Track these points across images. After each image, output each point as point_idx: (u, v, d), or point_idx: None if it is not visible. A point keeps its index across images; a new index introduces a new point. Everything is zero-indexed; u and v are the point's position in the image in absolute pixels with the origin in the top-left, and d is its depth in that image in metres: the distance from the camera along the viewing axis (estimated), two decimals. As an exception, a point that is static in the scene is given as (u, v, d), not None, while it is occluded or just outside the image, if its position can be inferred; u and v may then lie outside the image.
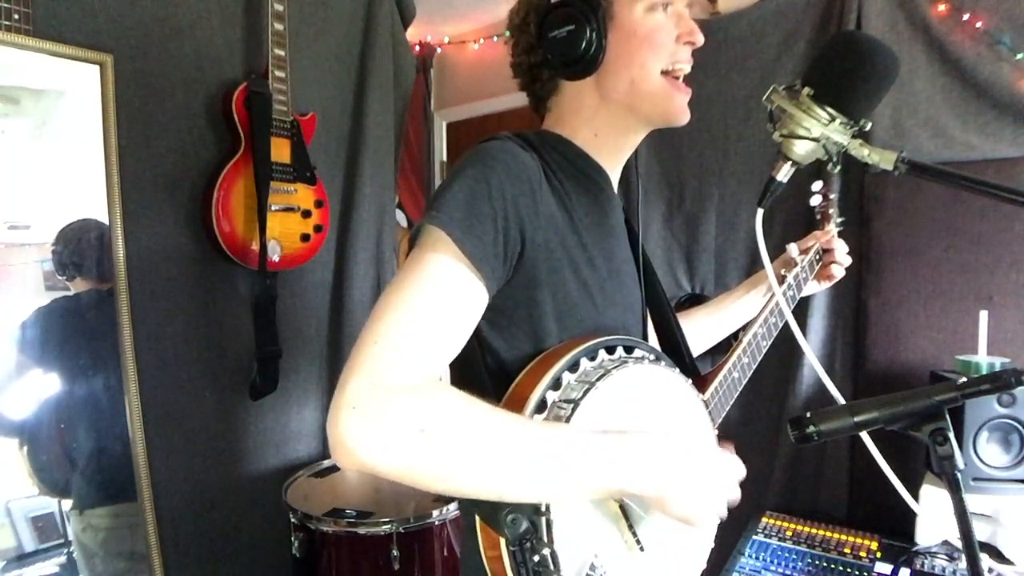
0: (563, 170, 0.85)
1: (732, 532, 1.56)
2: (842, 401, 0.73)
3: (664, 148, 2.08)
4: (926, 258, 1.68)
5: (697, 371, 0.98)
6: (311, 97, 1.94)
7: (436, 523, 1.54)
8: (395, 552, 1.49)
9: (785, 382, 1.84)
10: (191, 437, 1.70)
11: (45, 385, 1.49)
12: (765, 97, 0.79)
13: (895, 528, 1.55)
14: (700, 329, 1.20)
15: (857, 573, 1.41)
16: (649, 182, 2.10)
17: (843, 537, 1.56)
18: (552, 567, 0.67)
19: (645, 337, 0.96)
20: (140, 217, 1.58)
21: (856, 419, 0.69)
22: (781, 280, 1.15)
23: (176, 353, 1.66)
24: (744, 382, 1.03)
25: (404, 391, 0.61)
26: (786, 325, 1.05)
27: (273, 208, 1.74)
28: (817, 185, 1.29)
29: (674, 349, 0.98)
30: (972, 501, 1.33)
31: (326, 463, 1.91)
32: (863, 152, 0.75)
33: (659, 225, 2.10)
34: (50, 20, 1.41)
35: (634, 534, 0.75)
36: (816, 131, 0.77)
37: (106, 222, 1.52)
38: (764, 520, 1.66)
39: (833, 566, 1.44)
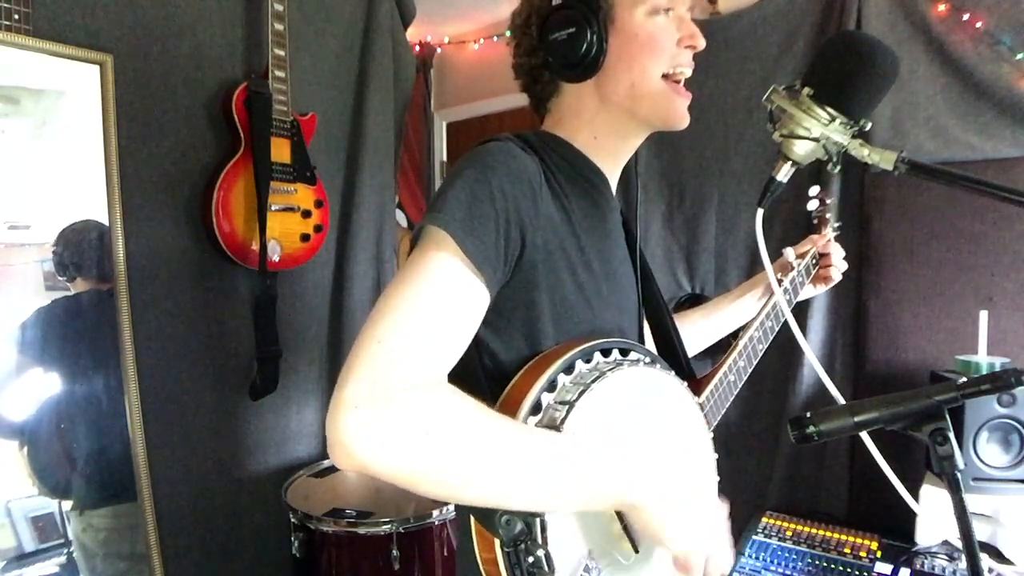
0: (562, 172, 0.85)
1: (732, 532, 1.56)
2: (842, 401, 0.73)
3: (664, 148, 2.08)
4: (926, 258, 1.68)
5: (693, 374, 0.98)
6: (311, 97, 1.94)
7: (436, 523, 1.54)
8: (395, 552, 1.49)
9: (785, 382, 1.84)
10: (191, 437, 1.70)
11: (45, 385, 1.49)
12: (765, 97, 0.79)
13: (895, 528, 1.55)
14: (695, 331, 1.20)
15: (857, 573, 1.41)
16: (649, 182, 2.10)
17: (843, 537, 1.56)
18: (546, 568, 0.67)
19: (642, 340, 0.96)
20: (140, 217, 1.58)
21: (856, 419, 0.69)
22: (778, 284, 1.15)
23: (176, 353, 1.66)
24: (740, 385, 1.03)
25: (406, 392, 0.61)
26: (785, 326, 1.05)
27: (273, 208, 1.74)
28: (814, 190, 1.29)
29: (670, 352, 0.98)
30: (972, 501, 1.33)
31: (326, 463, 1.91)
32: (863, 152, 0.75)
33: (659, 225, 2.10)
34: (50, 20, 1.41)
35: (629, 536, 0.75)
36: (816, 131, 0.77)
37: (106, 222, 1.52)
38: (764, 520, 1.66)
39: (833, 566, 1.44)
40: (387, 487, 1.73)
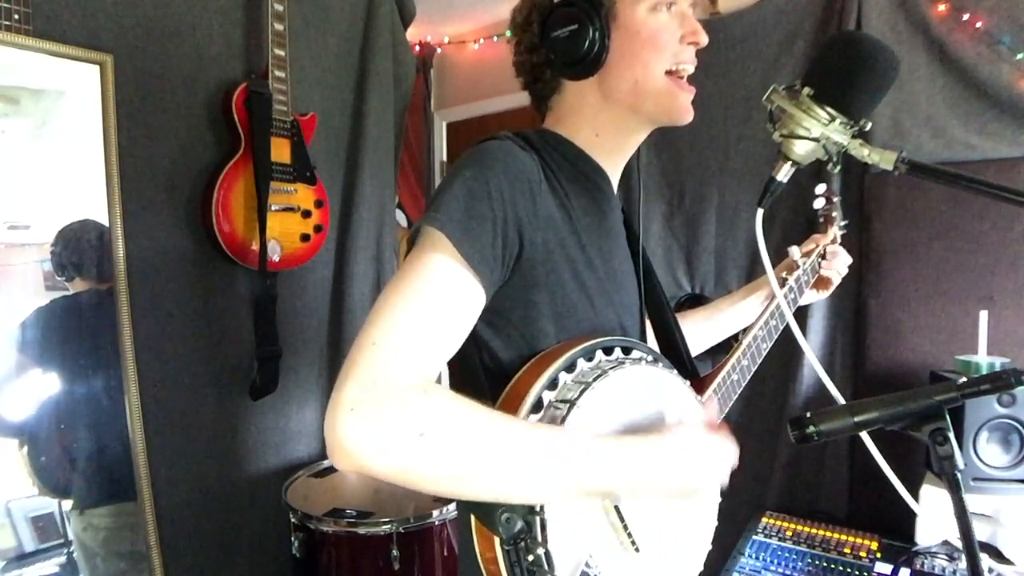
0: (563, 170, 0.85)
1: (732, 532, 1.56)
2: (842, 401, 0.73)
3: (664, 148, 2.08)
4: (926, 258, 1.68)
5: (696, 372, 0.98)
6: (311, 97, 1.94)
7: (436, 523, 1.54)
8: (395, 552, 1.49)
9: (785, 382, 1.84)
10: (191, 437, 1.70)
11: (45, 385, 1.49)
12: (765, 97, 0.79)
13: (895, 528, 1.55)
14: (697, 332, 1.19)
15: (857, 573, 1.41)
16: (649, 182, 2.10)
17: (843, 537, 1.56)
18: (546, 567, 0.67)
19: (644, 338, 0.96)
20: (140, 217, 1.58)
21: (856, 419, 0.69)
22: (782, 283, 1.15)
23: (176, 353, 1.66)
24: (744, 384, 1.03)
25: (402, 393, 0.61)
26: (786, 326, 1.05)
27: (273, 208, 1.74)
28: (821, 188, 1.28)
29: (673, 350, 0.98)
30: (972, 501, 1.33)
31: (326, 463, 1.91)
32: (863, 152, 0.75)
33: (659, 225, 2.10)
34: (50, 20, 1.41)
35: (629, 535, 0.75)
36: (816, 131, 0.76)
37: (106, 222, 1.52)
38: (764, 520, 1.66)
39: (833, 566, 1.44)
40: (387, 487, 1.73)
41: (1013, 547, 1.37)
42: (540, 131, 0.89)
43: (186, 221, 1.67)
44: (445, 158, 3.10)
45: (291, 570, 1.67)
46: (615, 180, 0.94)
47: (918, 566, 1.42)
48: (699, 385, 0.95)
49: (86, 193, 1.50)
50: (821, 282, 1.26)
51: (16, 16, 1.33)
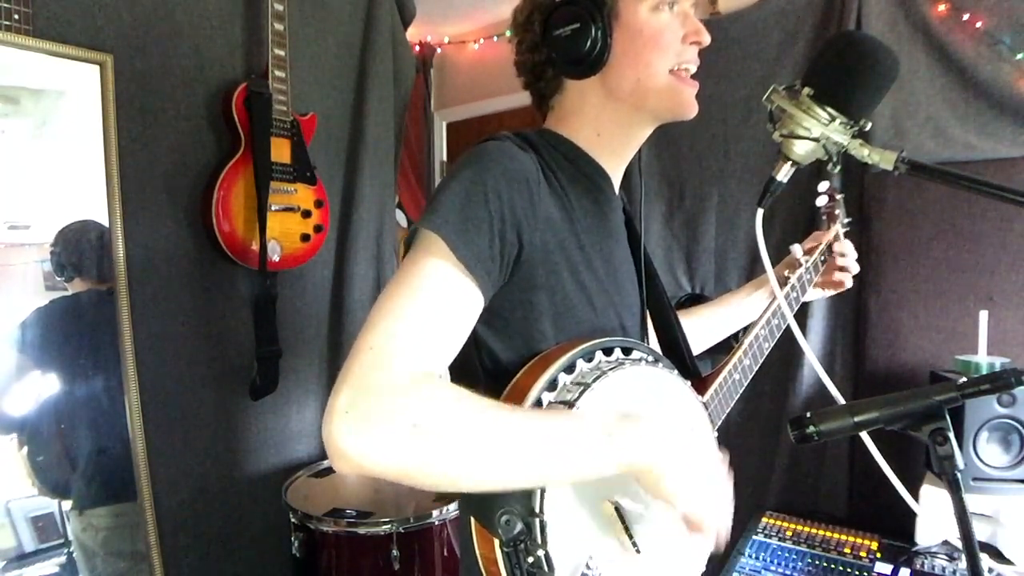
0: (563, 170, 0.84)
1: (732, 532, 1.56)
2: (842, 401, 0.73)
3: (664, 148, 2.08)
4: (926, 258, 1.68)
5: (698, 372, 0.98)
6: (311, 97, 1.94)
7: (436, 523, 1.54)
8: (395, 552, 1.49)
9: (785, 382, 1.84)
10: (191, 437, 1.70)
11: (45, 385, 1.49)
12: (765, 97, 0.79)
13: (895, 528, 1.54)
14: (701, 329, 1.19)
15: (857, 573, 1.41)
16: (649, 182, 2.10)
17: (843, 537, 1.56)
18: (546, 568, 0.67)
19: (645, 338, 0.95)
20: (140, 217, 1.58)
21: (856, 419, 0.69)
22: (784, 281, 1.14)
23: (176, 353, 1.66)
24: (745, 384, 1.03)
25: (393, 391, 0.61)
26: (787, 325, 1.05)
27: (273, 208, 1.74)
28: (824, 185, 1.28)
29: (674, 350, 0.98)
30: (972, 501, 1.33)
31: (326, 463, 1.91)
32: (863, 152, 0.75)
33: (659, 225, 2.10)
34: (50, 20, 1.41)
35: (630, 536, 0.75)
36: (816, 131, 0.76)
37: (106, 222, 1.52)
38: (764, 520, 1.66)
39: (833, 566, 1.44)
40: (387, 487, 1.73)
41: (1013, 547, 1.37)
42: (540, 131, 0.89)
43: (186, 221, 1.67)
44: (445, 158, 3.10)
45: (291, 570, 1.67)
46: (616, 180, 0.93)
47: (918, 566, 1.42)
48: (700, 385, 0.94)
49: (86, 193, 1.50)
50: (832, 283, 1.24)
51: (16, 16, 1.33)
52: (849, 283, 1.25)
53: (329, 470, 1.86)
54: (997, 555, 1.38)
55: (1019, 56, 1.56)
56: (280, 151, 1.76)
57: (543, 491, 0.68)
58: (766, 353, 1.07)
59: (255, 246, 1.71)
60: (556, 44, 0.83)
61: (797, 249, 1.18)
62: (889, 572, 1.41)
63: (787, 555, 1.49)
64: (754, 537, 1.58)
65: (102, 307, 1.54)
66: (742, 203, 1.97)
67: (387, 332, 0.64)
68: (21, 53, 1.37)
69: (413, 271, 0.68)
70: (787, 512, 1.71)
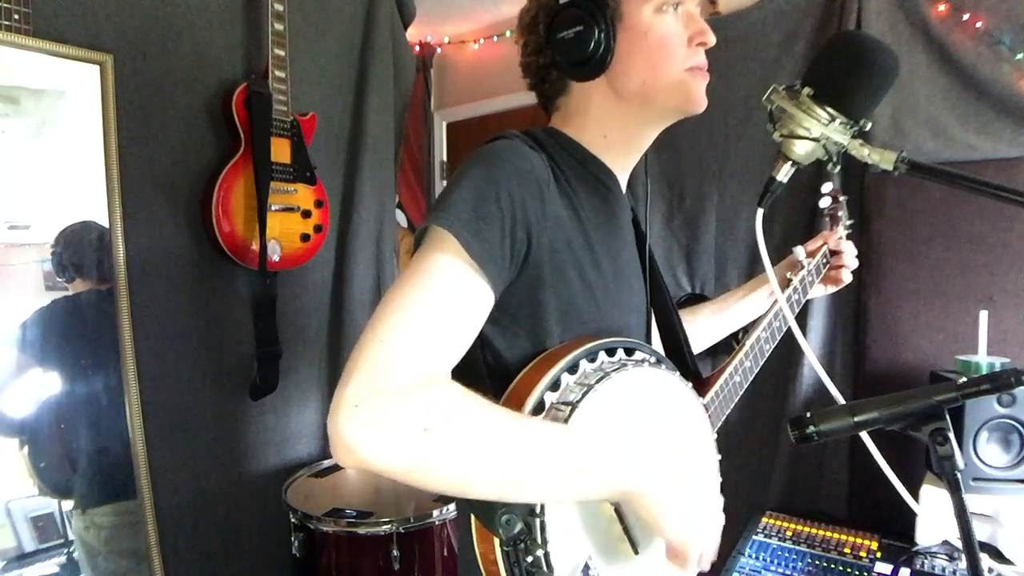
0: (571, 169, 0.84)
1: (732, 532, 1.56)
2: (842, 401, 0.73)
3: (664, 148, 2.08)
4: (926, 258, 1.68)
5: (699, 373, 0.98)
6: (311, 97, 1.94)
7: (436, 523, 1.54)
8: (395, 552, 1.49)
9: (785, 382, 1.84)
10: (191, 437, 1.70)
11: (45, 385, 1.49)
12: (765, 97, 0.79)
13: (895, 528, 1.55)
14: (701, 329, 1.19)
15: (857, 573, 1.41)
16: (650, 182, 2.09)
17: (843, 537, 1.56)
18: (545, 568, 0.67)
19: (649, 338, 0.95)
20: (140, 217, 1.58)
21: (856, 419, 0.69)
22: (787, 283, 1.14)
23: (176, 353, 1.66)
24: (746, 386, 1.03)
25: (406, 390, 0.61)
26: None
27: (273, 208, 1.74)
28: (827, 187, 1.28)
29: (676, 351, 0.98)
30: (972, 501, 1.33)
31: (326, 463, 1.91)
32: (863, 152, 0.75)
33: (659, 225, 2.10)
34: (50, 20, 1.41)
35: (629, 536, 0.75)
36: (816, 131, 0.76)
37: (106, 223, 1.52)
38: (764, 520, 1.66)
39: (833, 566, 1.44)
40: (387, 487, 1.73)
41: (1013, 547, 1.37)
42: (548, 130, 0.89)
43: (186, 221, 1.67)
44: (445, 158, 3.10)
45: (291, 570, 1.67)
46: (624, 181, 0.93)
47: (918, 566, 1.42)
48: (701, 386, 0.94)
49: (86, 193, 1.50)
50: (830, 279, 1.25)
51: (16, 16, 1.33)
52: (848, 278, 1.25)
53: (329, 470, 1.86)
54: (997, 555, 1.38)
55: (1019, 56, 1.56)
56: (280, 151, 1.76)
57: None
58: (767, 355, 1.07)
59: (255, 246, 1.71)
60: (560, 46, 0.83)
61: (800, 251, 1.18)
62: (889, 572, 1.41)
63: (787, 555, 1.49)
64: (754, 537, 1.58)
65: (102, 307, 1.54)
66: (742, 203, 1.97)
67: (397, 327, 0.64)
68: (21, 53, 1.37)
69: (424, 267, 0.68)
70: (787, 512, 1.71)
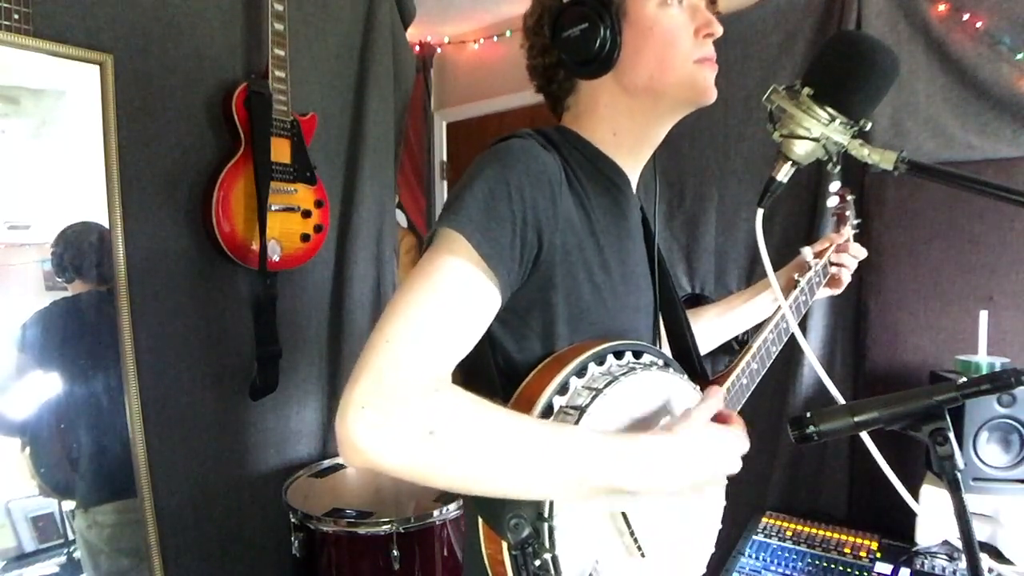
0: (582, 168, 0.84)
1: (732, 532, 1.56)
2: (842, 401, 0.73)
3: (664, 148, 2.06)
4: (926, 258, 1.68)
5: (707, 375, 0.97)
6: (311, 97, 1.94)
7: (436, 523, 1.54)
8: (395, 552, 1.49)
9: (785, 382, 1.84)
10: (191, 437, 1.70)
11: (45, 385, 1.49)
12: (765, 97, 0.79)
13: (895, 528, 1.55)
14: (709, 329, 1.18)
15: (857, 573, 1.41)
16: (650, 182, 2.09)
17: (843, 537, 1.56)
18: (553, 572, 0.67)
19: (657, 339, 0.95)
20: (140, 217, 1.58)
21: (856, 419, 0.69)
22: (794, 284, 1.12)
23: (176, 353, 1.66)
24: (752, 388, 1.03)
25: (413, 392, 0.61)
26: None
27: (273, 208, 1.74)
28: (835, 186, 1.27)
29: (684, 353, 0.97)
30: (972, 501, 1.33)
31: (326, 463, 1.91)
32: (863, 152, 0.75)
33: (660, 225, 2.09)
34: (50, 20, 1.41)
35: (635, 540, 0.75)
36: (816, 131, 0.76)
37: (106, 223, 1.52)
38: (764, 520, 1.66)
39: (833, 566, 1.44)
40: (387, 487, 1.73)
41: (1013, 547, 1.37)
42: (560, 129, 0.88)
43: (186, 221, 1.67)
44: (445, 158, 3.10)
45: (291, 570, 1.67)
46: (634, 180, 0.92)
47: (918, 566, 1.42)
48: (708, 389, 0.94)
49: (86, 193, 1.50)
50: (832, 280, 1.24)
51: (16, 16, 1.33)
52: (847, 280, 1.24)
53: (329, 470, 1.87)
54: (997, 555, 1.38)
55: (1019, 56, 1.56)
56: (280, 151, 1.76)
57: None
58: (774, 357, 1.07)
59: (255, 246, 1.71)
60: (566, 45, 0.82)
61: (807, 252, 1.16)
62: (889, 572, 1.41)
63: (787, 555, 1.49)
64: (754, 537, 1.58)
65: (102, 307, 1.54)
66: (742, 203, 1.97)
67: (405, 327, 0.64)
68: (21, 53, 1.37)
69: (434, 267, 0.68)
70: (787, 512, 1.71)
